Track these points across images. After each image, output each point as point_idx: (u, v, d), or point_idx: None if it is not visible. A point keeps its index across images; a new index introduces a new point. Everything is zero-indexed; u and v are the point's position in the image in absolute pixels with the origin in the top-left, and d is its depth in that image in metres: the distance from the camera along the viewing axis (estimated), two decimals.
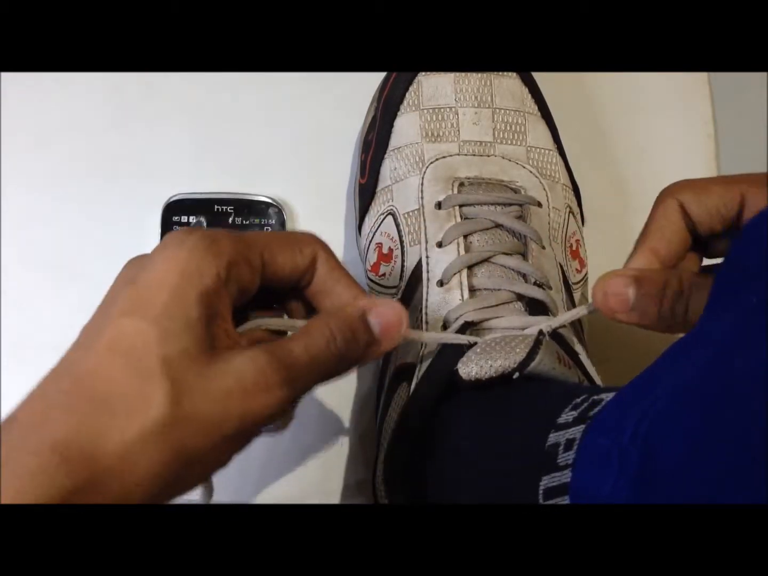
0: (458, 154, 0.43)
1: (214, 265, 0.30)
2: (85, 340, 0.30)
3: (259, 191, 0.49)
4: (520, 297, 0.39)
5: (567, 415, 0.29)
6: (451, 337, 0.37)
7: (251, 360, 0.30)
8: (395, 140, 0.45)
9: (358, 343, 0.32)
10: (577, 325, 0.42)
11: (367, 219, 0.46)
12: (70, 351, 0.30)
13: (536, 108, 0.46)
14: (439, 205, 0.42)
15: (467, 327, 0.37)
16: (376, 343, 0.33)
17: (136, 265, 0.31)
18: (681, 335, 0.28)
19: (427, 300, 0.39)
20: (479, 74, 0.45)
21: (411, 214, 0.42)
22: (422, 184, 0.42)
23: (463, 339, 0.36)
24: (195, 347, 0.29)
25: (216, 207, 0.49)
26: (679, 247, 0.35)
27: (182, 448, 0.28)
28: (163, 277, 0.30)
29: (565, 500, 0.28)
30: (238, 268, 0.31)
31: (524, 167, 0.43)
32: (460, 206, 0.41)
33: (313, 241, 0.34)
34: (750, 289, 0.25)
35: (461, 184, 0.42)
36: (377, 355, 0.34)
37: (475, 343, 0.35)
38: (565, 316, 0.37)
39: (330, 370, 0.32)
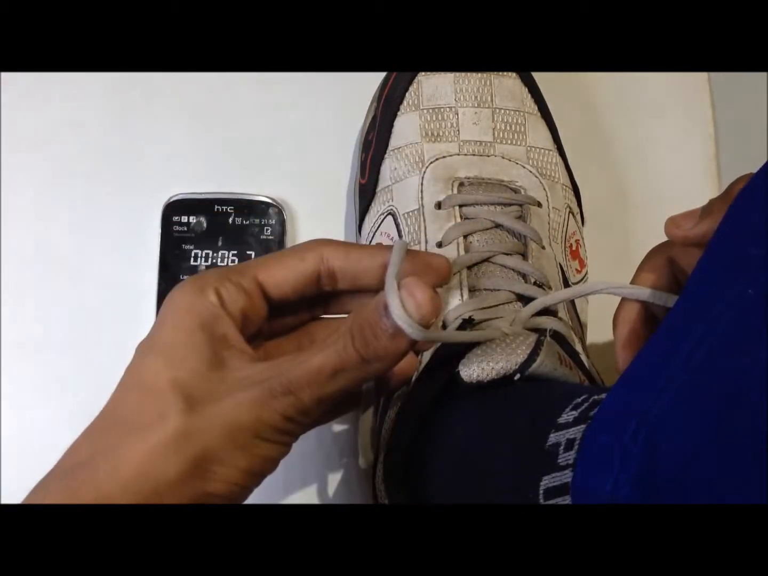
0: (458, 154, 0.43)
1: (203, 297, 0.33)
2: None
3: (259, 191, 0.49)
4: (520, 297, 0.39)
5: (567, 415, 0.29)
6: (475, 335, 0.36)
7: (255, 373, 0.31)
8: (395, 140, 0.45)
9: (379, 339, 0.30)
10: (577, 325, 0.42)
11: (367, 219, 0.46)
12: None
13: (536, 108, 0.46)
14: (439, 205, 0.42)
15: (466, 326, 0.37)
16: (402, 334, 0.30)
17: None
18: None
19: None
20: (479, 74, 0.45)
21: (411, 214, 0.42)
22: (422, 184, 0.42)
23: (486, 336, 0.35)
24: (203, 367, 0.31)
25: (216, 207, 0.49)
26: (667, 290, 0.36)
27: (200, 453, 0.30)
28: (165, 320, 0.33)
29: (565, 500, 0.27)
30: (228, 293, 0.33)
31: (524, 167, 0.43)
32: (460, 206, 0.41)
33: (315, 245, 0.35)
34: (745, 278, 0.25)
35: (461, 184, 0.42)
36: (417, 346, 0.33)
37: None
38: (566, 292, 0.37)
39: (355, 374, 0.31)
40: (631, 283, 0.38)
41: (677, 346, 0.26)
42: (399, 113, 0.45)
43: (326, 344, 0.31)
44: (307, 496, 0.45)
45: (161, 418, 0.30)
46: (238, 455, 0.30)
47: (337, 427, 0.47)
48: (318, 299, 0.37)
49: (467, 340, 0.35)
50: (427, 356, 0.37)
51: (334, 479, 0.46)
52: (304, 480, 0.46)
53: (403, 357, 0.31)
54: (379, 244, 0.37)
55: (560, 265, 0.42)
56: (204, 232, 0.48)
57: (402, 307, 0.29)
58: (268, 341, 0.37)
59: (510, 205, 0.41)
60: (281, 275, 0.34)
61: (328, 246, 0.35)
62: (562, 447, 0.28)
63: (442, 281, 0.37)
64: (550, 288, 0.40)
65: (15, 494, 0.30)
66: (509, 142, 0.44)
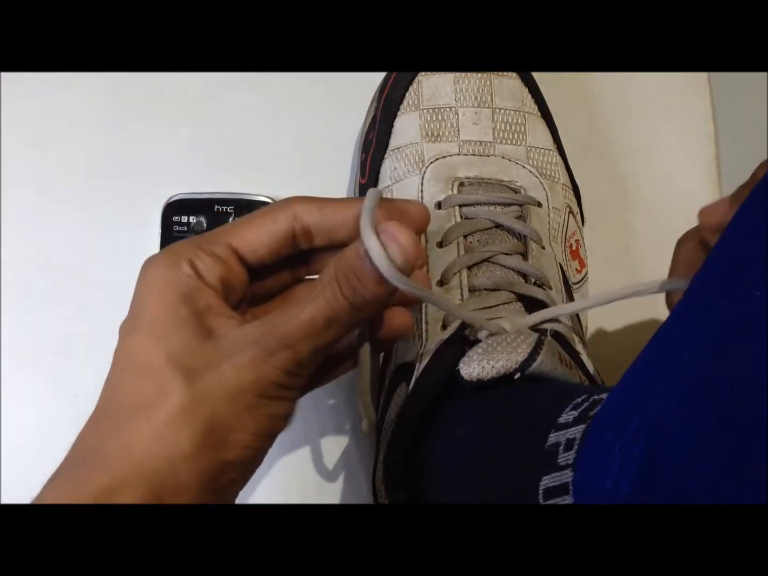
0: (458, 154, 0.43)
1: (178, 270, 0.32)
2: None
3: (259, 191, 0.49)
4: (520, 297, 0.39)
5: (567, 415, 0.29)
6: (468, 315, 0.36)
7: (247, 334, 0.31)
8: (395, 140, 0.45)
9: (365, 285, 0.30)
10: (577, 325, 0.42)
11: None
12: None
13: (536, 108, 0.46)
14: (439, 205, 0.42)
15: (465, 327, 0.37)
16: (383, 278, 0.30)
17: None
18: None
19: None
20: (479, 74, 0.45)
21: None
22: (422, 184, 0.43)
23: (471, 318, 0.35)
24: (194, 339, 0.31)
25: (216, 207, 0.49)
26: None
27: (209, 422, 0.30)
28: (143, 298, 0.32)
29: (565, 500, 0.27)
30: (203, 263, 0.33)
31: (524, 167, 0.43)
32: (460, 206, 0.41)
33: (286, 203, 0.34)
34: (751, 278, 0.25)
35: (461, 184, 0.42)
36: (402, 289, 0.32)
37: (475, 340, 0.35)
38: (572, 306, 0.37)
39: (346, 321, 0.31)
40: (671, 270, 0.36)
41: (680, 346, 0.26)
42: (399, 113, 0.45)
43: (313, 296, 0.31)
44: (306, 496, 0.45)
45: (162, 395, 0.30)
46: (246, 417, 0.30)
47: (337, 426, 0.47)
48: (297, 260, 0.36)
49: (451, 310, 0.35)
50: (427, 356, 0.37)
51: (334, 479, 0.46)
52: (304, 480, 0.46)
53: (391, 297, 0.31)
54: (355, 197, 0.36)
55: (560, 264, 0.42)
56: (204, 232, 0.48)
57: (382, 251, 0.29)
58: (253, 307, 0.36)
59: (510, 205, 0.41)
60: (255, 238, 0.34)
61: (300, 203, 0.34)
62: (561, 447, 0.28)
63: (421, 228, 0.36)
64: (550, 288, 0.40)
65: (15, 494, 0.30)
66: (509, 142, 0.44)
